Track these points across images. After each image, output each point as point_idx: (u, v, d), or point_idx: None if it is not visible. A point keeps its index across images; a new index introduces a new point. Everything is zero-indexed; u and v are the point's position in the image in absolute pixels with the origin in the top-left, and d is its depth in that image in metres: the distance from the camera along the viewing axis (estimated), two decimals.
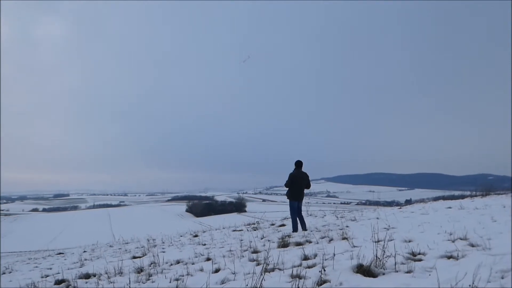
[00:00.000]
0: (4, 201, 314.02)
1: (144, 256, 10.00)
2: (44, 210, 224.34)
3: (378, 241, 6.40)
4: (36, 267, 13.06)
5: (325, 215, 15.30)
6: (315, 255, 6.16)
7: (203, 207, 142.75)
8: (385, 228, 8.63)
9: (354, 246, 6.59)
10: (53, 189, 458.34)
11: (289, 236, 9.45)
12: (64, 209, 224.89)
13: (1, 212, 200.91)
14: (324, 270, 4.81)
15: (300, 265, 5.63)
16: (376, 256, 4.80)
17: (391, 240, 6.68)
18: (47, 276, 9.48)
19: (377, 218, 11.28)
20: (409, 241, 6.45)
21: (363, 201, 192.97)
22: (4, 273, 12.89)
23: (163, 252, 10.29)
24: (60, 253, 18.13)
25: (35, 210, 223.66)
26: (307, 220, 11.77)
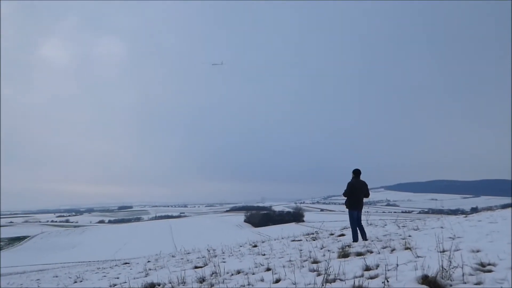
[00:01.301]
0: (73, 213, 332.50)
1: (205, 266, 10.20)
2: (110, 221, 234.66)
3: (444, 251, 6.17)
4: (105, 276, 13.69)
5: (385, 225, 14.95)
6: (377, 266, 6.03)
7: (261, 217, 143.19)
8: (450, 238, 8.29)
9: (418, 256, 6.37)
10: (117, 202, 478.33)
11: (349, 246, 9.32)
12: (128, 220, 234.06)
13: (70, 224, 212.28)
14: (388, 281, 4.71)
15: (362, 275, 5.53)
16: (442, 267, 4.63)
17: (458, 250, 6.41)
18: (115, 285, 9.91)
19: (441, 227, 10.85)
20: (477, 251, 6.15)
21: (425, 210, 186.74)
22: (75, 282, 13.65)
23: (224, 262, 10.44)
24: (126, 263, 18.88)
25: (102, 221, 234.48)
26: (367, 230, 11.54)
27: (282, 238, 15.94)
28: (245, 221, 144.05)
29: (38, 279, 20.19)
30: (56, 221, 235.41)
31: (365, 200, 10.92)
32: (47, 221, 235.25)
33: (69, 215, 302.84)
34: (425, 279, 4.58)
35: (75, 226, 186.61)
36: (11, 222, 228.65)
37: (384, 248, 8.13)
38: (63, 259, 73.28)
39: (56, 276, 19.81)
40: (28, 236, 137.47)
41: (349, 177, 10.86)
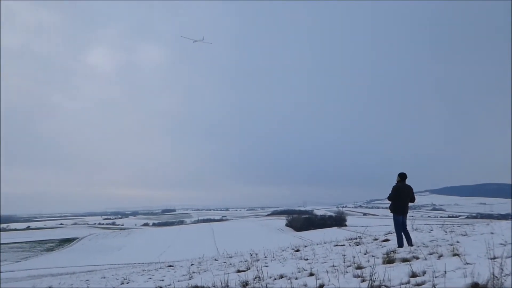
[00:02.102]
0: (119, 216, 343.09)
1: (248, 270, 10.26)
2: (154, 224, 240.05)
3: (494, 258, 5.94)
4: (150, 278, 14.03)
5: (432, 230, 14.52)
6: (424, 272, 5.88)
7: (302, 221, 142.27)
8: (501, 244, 7.96)
9: (467, 263, 6.17)
10: (161, 205, 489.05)
11: (394, 251, 9.13)
12: (172, 223, 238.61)
13: (116, 226, 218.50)
14: None
15: (408, 282, 5.43)
16: (493, 275, 4.47)
17: (509, 257, 6.15)
18: (160, 287, 10.14)
19: (492, 233, 10.45)
20: None
21: (474, 214, 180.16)
22: (122, 283, 14.05)
23: (266, 266, 10.46)
24: (170, 266, 19.24)
25: (146, 224, 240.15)
26: (412, 235, 11.26)
27: (325, 243, 15.78)
28: (286, 225, 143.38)
29: (87, 280, 20.92)
30: (103, 224, 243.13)
31: (409, 204, 10.68)
32: (95, 223, 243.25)
33: (115, 218, 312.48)
34: (475, 287, 4.44)
35: (121, 229, 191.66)
36: (61, 224, 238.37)
37: (431, 254, 7.92)
38: (110, 261, 75.55)
39: (104, 277, 20.46)
40: (77, 238, 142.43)
41: (392, 180, 10.66)
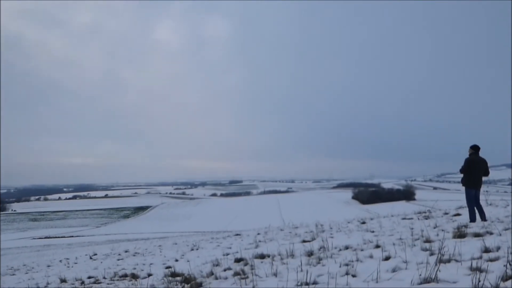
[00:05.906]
0: (189, 186, 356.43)
1: (313, 240, 10.35)
2: (222, 195, 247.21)
3: None
4: (218, 245, 14.61)
5: (508, 205, 13.77)
6: (498, 248, 5.62)
7: (369, 194, 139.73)
8: None
9: None
10: (228, 176, 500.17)
11: (465, 226, 8.78)
12: (238, 194, 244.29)
13: (186, 196, 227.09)
14: (510, 264, 4.39)
15: (481, 257, 5.21)
16: None
17: None
18: (228, 254, 10.51)
19: None
20: None
21: None
22: (192, 249, 14.74)
23: (331, 237, 10.50)
24: (237, 234, 19.88)
25: (214, 195, 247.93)
26: (486, 210, 10.73)
27: (392, 216, 15.49)
28: (352, 197, 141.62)
29: (160, 245, 22.13)
30: (173, 193, 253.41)
31: (484, 178, 10.15)
32: (166, 193, 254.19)
33: (185, 188, 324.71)
34: None
35: (190, 199, 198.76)
36: (135, 193, 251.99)
37: (506, 230, 7.53)
38: (180, 228, 79.05)
39: (176, 243, 21.55)
40: (150, 206, 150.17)
41: (464, 153, 10.17)
